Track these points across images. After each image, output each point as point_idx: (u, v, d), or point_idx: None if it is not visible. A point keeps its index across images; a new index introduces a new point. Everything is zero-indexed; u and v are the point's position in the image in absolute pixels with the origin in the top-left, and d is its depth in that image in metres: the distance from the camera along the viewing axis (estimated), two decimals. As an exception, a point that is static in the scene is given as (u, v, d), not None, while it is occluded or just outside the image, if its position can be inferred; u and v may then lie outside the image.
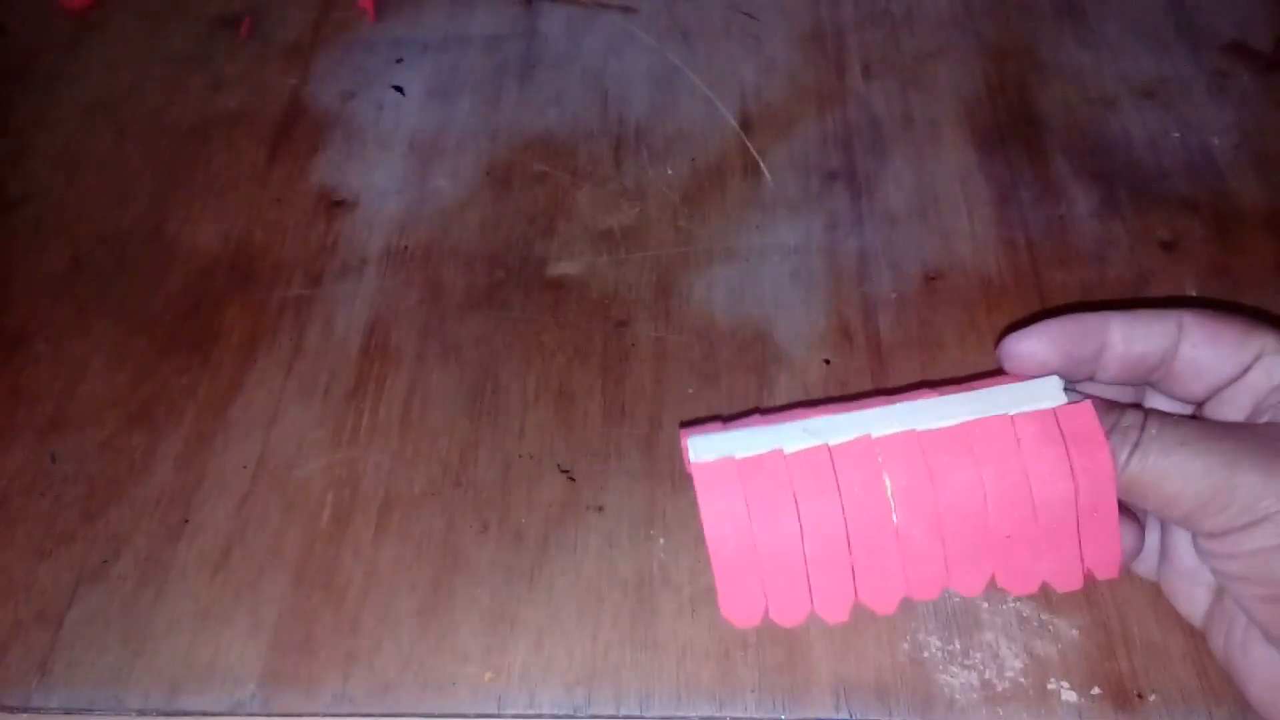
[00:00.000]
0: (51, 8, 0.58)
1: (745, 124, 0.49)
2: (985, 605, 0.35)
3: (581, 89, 0.52)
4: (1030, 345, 0.32)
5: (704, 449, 0.31)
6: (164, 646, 0.35)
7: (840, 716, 0.33)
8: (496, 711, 0.34)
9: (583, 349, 0.42)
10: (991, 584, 0.31)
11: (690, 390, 0.40)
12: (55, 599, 0.37)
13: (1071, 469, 0.29)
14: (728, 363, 0.41)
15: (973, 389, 0.31)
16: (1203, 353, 0.31)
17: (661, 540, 0.37)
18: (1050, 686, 0.33)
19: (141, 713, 0.34)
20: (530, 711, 0.34)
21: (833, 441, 0.30)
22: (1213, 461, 0.28)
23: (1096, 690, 0.33)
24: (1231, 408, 0.31)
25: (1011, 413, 0.30)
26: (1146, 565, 0.34)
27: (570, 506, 0.38)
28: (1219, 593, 0.31)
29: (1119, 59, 0.51)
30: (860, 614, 0.35)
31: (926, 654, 0.34)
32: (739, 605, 0.31)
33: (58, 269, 0.46)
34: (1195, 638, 0.34)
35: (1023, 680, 0.33)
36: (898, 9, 0.54)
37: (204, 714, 0.34)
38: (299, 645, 0.35)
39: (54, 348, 0.44)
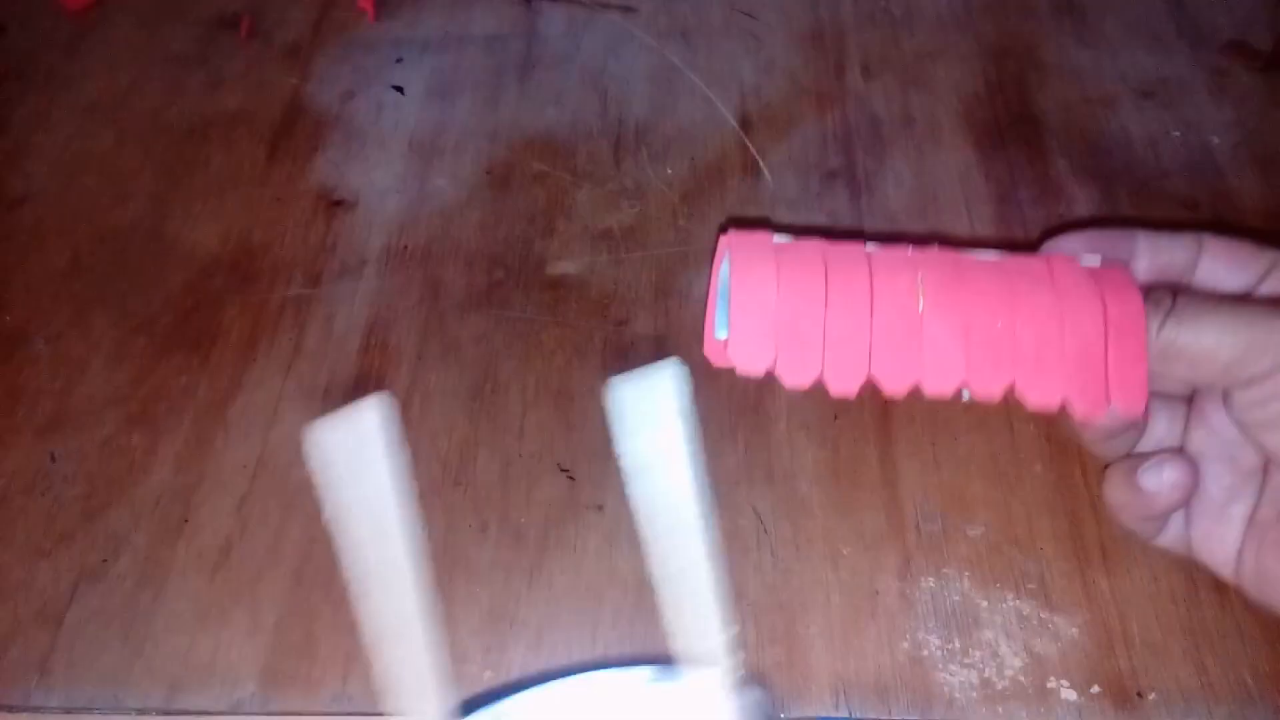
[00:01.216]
0: (51, 8, 0.58)
1: (745, 123, 0.49)
2: (985, 604, 0.35)
3: (581, 89, 0.52)
4: (1066, 245, 0.33)
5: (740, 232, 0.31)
6: (163, 646, 0.35)
7: (840, 715, 0.33)
8: (496, 711, 0.34)
9: (582, 348, 0.42)
10: (1010, 392, 0.29)
11: (690, 389, 0.40)
12: (55, 598, 0.37)
13: (1103, 304, 0.30)
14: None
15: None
16: (1220, 264, 0.33)
17: (661, 539, 0.37)
18: (1050, 685, 0.33)
19: (141, 712, 0.34)
20: (530, 711, 0.34)
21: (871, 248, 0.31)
22: (1251, 314, 0.29)
23: (1096, 689, 0.33)
24: None
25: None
26: (1173, 533, 0.34)
27: (570, 506, 0.38)
28: (1251, 522, 0.32)
29: (1119, 58, 0.51)
30: (860, 613, 0.35)
31: (926, 652, 0.34)
32: (748, 349, 0.29)
33: (58, 269, 0.46)
34: (1195, 637, 0.34)
35: (1022, 679, 0.33)
36: (898, 9, 0.54)
37: (204, 713, 0.34)
38: (298, 645, 0.35)
39: (54, 347, 0.44)
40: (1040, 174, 0.46)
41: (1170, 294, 0.30)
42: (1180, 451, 0.32)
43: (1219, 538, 0.32)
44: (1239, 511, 0.32)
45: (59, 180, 0.50)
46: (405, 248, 0.46)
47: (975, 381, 0.29)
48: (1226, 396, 0.31)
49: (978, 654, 0.34)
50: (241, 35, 0.56)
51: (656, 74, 0.52)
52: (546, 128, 0.50)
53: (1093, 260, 0.31)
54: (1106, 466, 0.35)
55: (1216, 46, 0.51)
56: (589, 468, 0.39)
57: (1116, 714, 0.33)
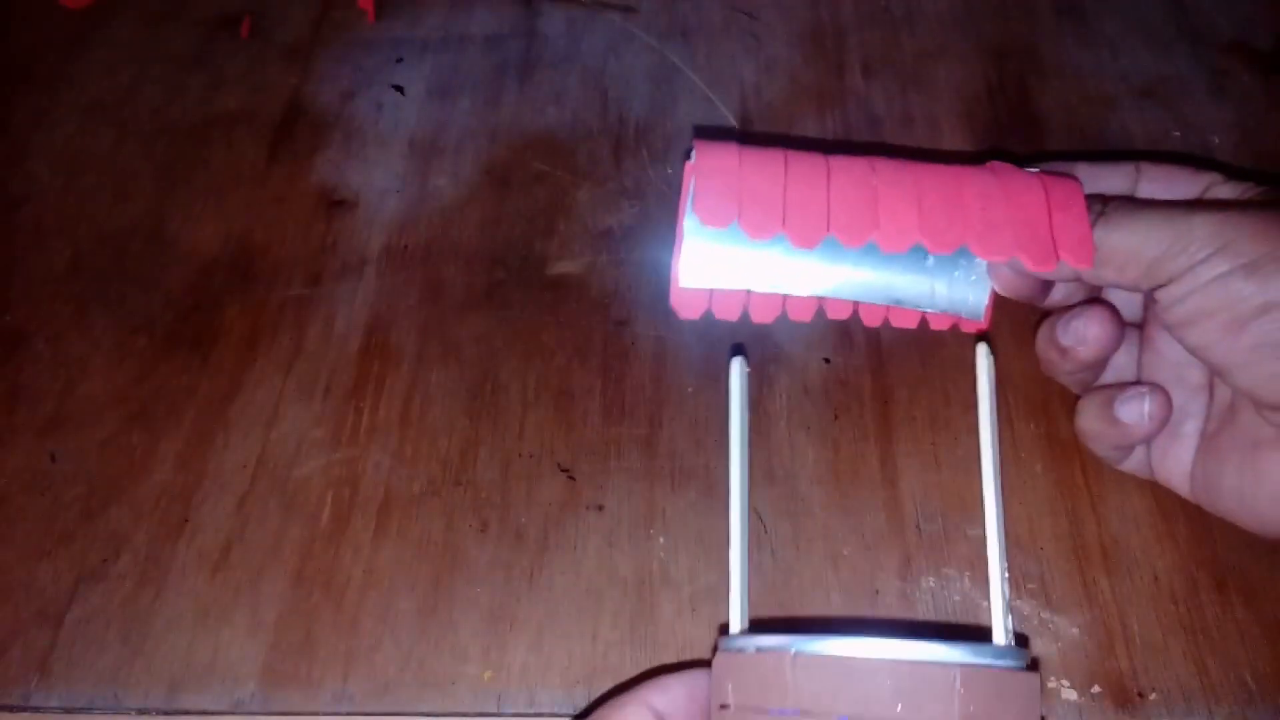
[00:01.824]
0: (51, 8, 0.58)
1: (745, 123, 0.49)
2: (985, 604, 0.35)
3: (581, 89, 0.52)
4: None
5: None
6: (164, 645, 0.35)
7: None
8: (496, 711, 0.34)
9: (582, 348, 0.42)
10: (961, 244, 0.31)
11: (690, 389, 0.40)
12: (55, 598, 0.37)
13: (1044, 187, 0.32)
14: (728, 362, 0.41)
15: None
16: (1158, 188, 0.34)
17: (661, 540, 0.37)
18: (1050, 685, 0.33)
19: (141, 712, 0.34)
20: (530, 711, 0.34)
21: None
22: (1171, 213, 0.30)
23: (1097, 689, 0.33)
24: None
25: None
26: (1136, 457, 0.35)
27: (570, 506, 0.38)
28: (1201, 436, 0.34)
29: (1119, 58, 0.51)
30: (860, 613, 0.35)
31: (926, 653, 0.34)
32: (713, 206, 0.31)
33: (58, 269, 0.46)
34: (1195, 637, 0.34)
35: (1023, 679, 0.33)
36: (898, 9, 0.54)
37: (204, 713, 0.34)
38: (299, 645, 0.35)
39: (54, 347, 0.44)
40: (1040, 174, 0.46)
41: (1102, 200, 0.32)
42: (1153, 385, 0.34)
43: (1174, 456, 0.34)
44: (1191, 428, 0.34)
45: (59, 180, 0.50)
46: (405, 248, 0.46)
47: (928, 238, 0.31)
48: (1155, 304, 0.32)
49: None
50: (241, 35, 0.56)
51: (657, 74, 0.52)
52: (546, 128, 0.50)
53: (1033, 170, 0.33)
54: (1079, 398, 0.36)
55: (1217, 46, 0.51)
56: (589, 468, 0.39)
57: (1117, 714, 0.33)
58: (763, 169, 0.32)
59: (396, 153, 0.50)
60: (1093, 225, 0.31)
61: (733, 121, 0.49)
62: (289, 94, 0.53)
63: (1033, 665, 0.26)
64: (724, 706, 0.26)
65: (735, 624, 0.29)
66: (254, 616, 0.36)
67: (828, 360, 0.41)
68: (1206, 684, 0.33)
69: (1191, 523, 0.36)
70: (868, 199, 0.31)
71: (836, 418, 0.39)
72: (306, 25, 0.56)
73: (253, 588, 0.36)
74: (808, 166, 0.32)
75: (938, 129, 0.48)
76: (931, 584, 0.35)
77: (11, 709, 0.34)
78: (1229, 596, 0.34)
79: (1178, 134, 0.47)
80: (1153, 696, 0.33)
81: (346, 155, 0.50)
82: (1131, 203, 0.32)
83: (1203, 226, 0.30)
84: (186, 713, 0.34)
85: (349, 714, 0.34)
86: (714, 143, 0.32)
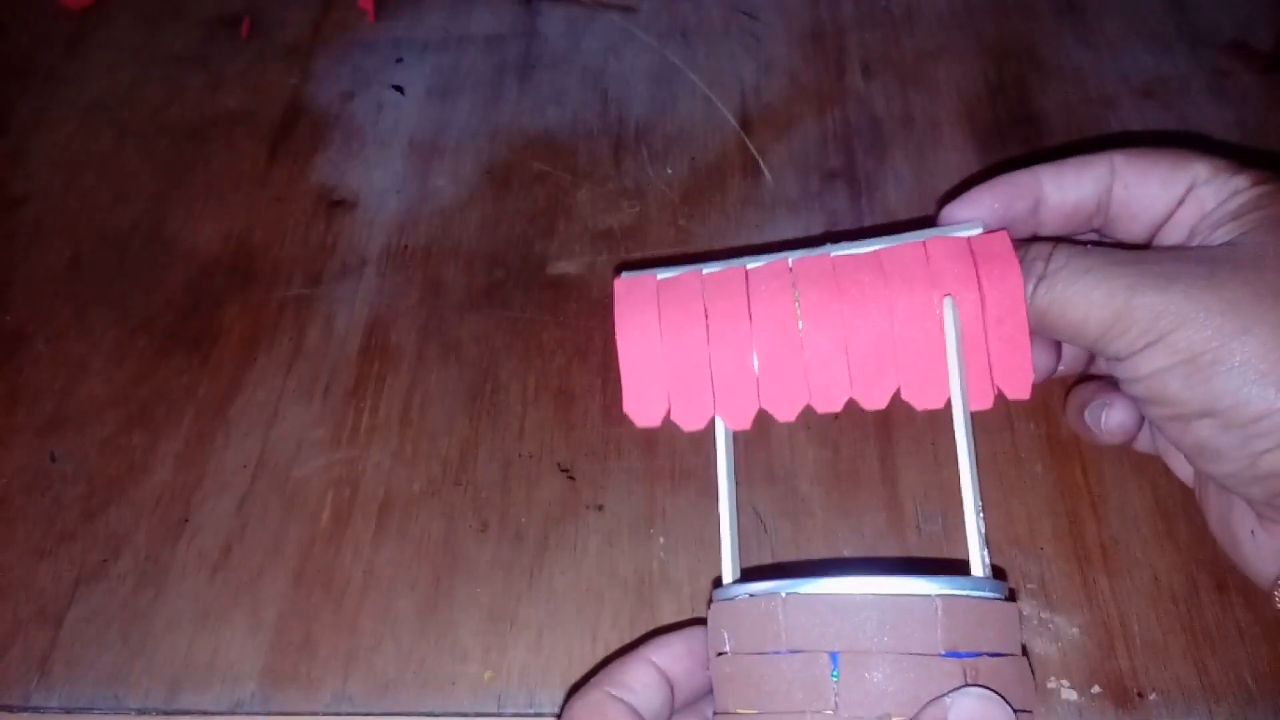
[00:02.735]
0: (51, 8, 0.58)
1: (745, 123, 0.49)
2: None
3: (581, 89, 0.52)
4: (964, 211, 0.32)
5: (631, 276, 0.32)
6: (164, 646, 0.35)
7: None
8: (496, 711, 0.34)
9: (582, 348, 0.42)
10: (896, 397, 0.30)
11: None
12: (55, 598, 0.37)
13: (979, 283, 0.29)
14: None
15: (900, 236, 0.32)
16: (1135, 192, 0.31)
17: (661, 539, 0.37)
18: (1050, 685, 0.33)
19: (141, 712, 0.34)
20: (530, 711, 0.34)
21: (750, 265, 0.32)
22: (1115, 286, 0.28)
23: (1097, 689, 0.33)
24: (1170, 241, 0.31)
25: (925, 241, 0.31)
26: (1144, 441, 0.34)
27: (570, 506, 0.38)
28: None
29: (1119, 58, 0.51)
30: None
31: (926, 653, 0.34)
32: (642, 404, 0.31)
33: (58, 269, 0.46)
34: (1195, 637, 0.34)
35: (1023, 679, 0.33)
36: (898, 9, 0.54)
37: (204, 713, 0.34)
38: (299, 645, 0.35)
39: (54, 347, 0.44)
40: (1040, 174, 0.46)
41: (1046, 254, 0.29)
42: (1121, 398, 0.32)
43: (1177, 459, 0.33)
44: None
45: (59, 180, 0.50)
46: (405, 248, 0.46)
47: (861, 394, 0.30)
48: (1108, 367, 0.30)
49: None
50: (242, 35, 0.56)
51: (656, 74, 0.52)
52: (546, 128, 0.50)
53: (973, 229, 0.31)
54: (1069, 391, 0.35)
55: (1217, 46, 0.51)
56: (589, 468, 0.39)
57: (1117, 714, 0.33)
58: (685, 339, 0.31)
59: (396, 153, 0.50)
60: (1034, 289, 0.29)
61: (733, 121, 0.49)
62: (289, 94, 0.53)
63: (1010, 596, 0.27)
64: (721, 654, 0.27)
65: (727, 575, 0.29)
66: (254, 616, 0.36)
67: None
68: (1206, 684, 0.33)
69: (1191, 523, 0.36)
70: (793, 350, 0.30)
71: (836, 418, 0.39)
72: (306, 25, 0.56)
73: (253, 588, 0.36)
74: (730, 326, 0.31)
75: (938, 129, 0.48)
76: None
77: (11, 709, 0.35)
78: (1229, 596, 0.34)
79: (1178, 134, 0.47)
80: (1153, 696, 0.33)
81: (346, 155, 0.50)
82: (1074, 261, 0.29)
83: (1142, 309, 0.27)
84: (186, 713, 0.34)
85: (349, 714, 0.34)
86: (633, 310, 0.31)
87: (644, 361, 0.31)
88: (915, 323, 0.30)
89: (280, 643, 0.35)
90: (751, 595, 0.27)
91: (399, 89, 0.52)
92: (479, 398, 0.41)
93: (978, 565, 0.28)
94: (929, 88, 0.50)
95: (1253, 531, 0.30)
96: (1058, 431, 0.38)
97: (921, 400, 0.30)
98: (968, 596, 0.26)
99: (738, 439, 0.39)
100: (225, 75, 0.54)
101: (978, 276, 0.29)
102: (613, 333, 0.32)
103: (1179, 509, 0.36)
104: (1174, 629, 0.34)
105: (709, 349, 0.31)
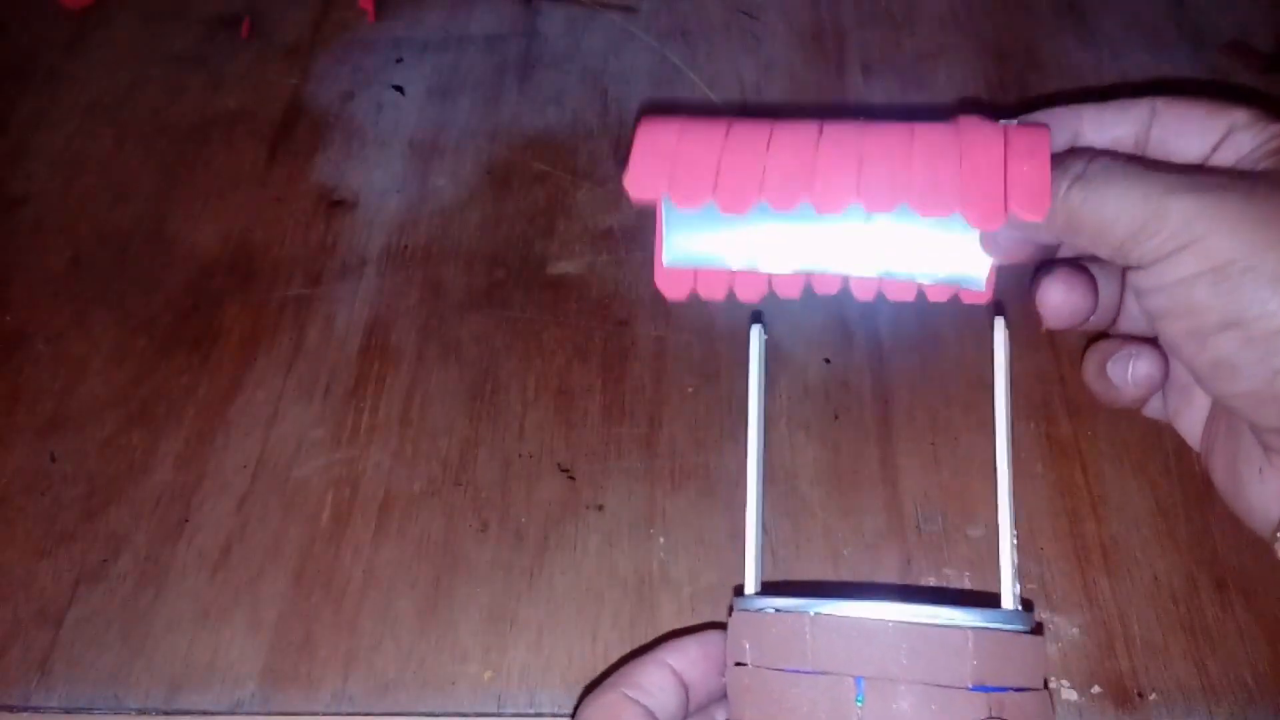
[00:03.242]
0: (51, 8, 0.58)
1: (745, 124, 0.49)
2: (985, 604, 0.35)
3: (581, 89, 0.52)
4: None
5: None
6: (164, 646, 0.35)
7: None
8: (496, 711, 0.34)
9: (583, 348, 0.42)
10: (899, 204, 0.29)
11: (690, 389, 0.40)
12: (55, 598, 0.37)
13: (1005, 137, 0.29)
14: (727, 362, 0.41)
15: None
16: (1172, 133, 0.31)
17: (661, 539, 0.37)
18: (1051, 685, 0.33)
19: (141, 712, 0.34)
20: (530, 711, 0.34)
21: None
22: (1151, 188, 0.27)
23: (1097, 689, 0.33)
24: None
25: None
26: (1154, 406, 0.34)
27: (570, 506, 0.38)
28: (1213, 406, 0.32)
29: (1119, 58, 0.51)
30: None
31: (926, 653, 0.34)
32: (643, 178, 0.30)
33: (58, 269, 0.46)
34: (1195, 637, 0.34)
35: (1023, 679, 0.33)
36: (898, 9, 0.54)
37: (204, 713, 0.34)
38: (299, 645, 0.35)
39: (54, 348, 0.44)
40: (1040, 174, 0.46)
41: (1085, 158, 0.29)
42: (1152, 343, 0.31)
43: (1188, 417, 0.33)
44: (1203, 395, 0.32)
45: (59, 180, 0.50)
46: (405, 248, 0.46)
47: (866, 198, 0.29)
48: (1131, 278, 0.29)
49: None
50: (241, 35, 0.56)
51: (657, 74, 0.52)
52: (546, 128, 0.50)
53: (1008, 122, 0.31)
54: (1086, 346, 0.34)
55: (1216, 46, 0.51)
56: (589, 468, 0.39)
57: (1117, 714, 0.33)
58: (700, 138, 0.31)
59: (396, 153, 0.50)
60: (1069, 187, 0.29)
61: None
62: (289, 94, 0.53)
63: (1037, 629, 0.27)
64: (740, 664, 0.27)
65: (750, 585, 0.29)
66: (254, 616, 0.36)
67: (828, 360, 0.41)
68: (1206, 684, 0.33)
69: (1191, 523, 0.36)
70: (806, 162, 0.30)
71: (836, 418, 0.39)
72: (306, 25, 0.56)
73: (253, 588, 0.36)
74: (749, 133, 0.31)
75: (938, 129, 0.48)
76: (931, 584, 0.35)
77: (11, 709, 0.34)
78: (1229, 596, 0.34)
79: (1178, 134, 0.47)
80: (1153, 696, 0.33)
81: (346, 155, 0.50)
82: (1114, 165, 0.29)
83: (1177, 212, 0.27)
84: (186, 713, 0.34)
85: (349, 714, 0.34)
86: (661, 117, 0.32)
87: (656, 143, 0.30)
88: (932, 149, 0.29)
89: (280, 643, 0.35)
90: (778, 610, 0.27)
91: (399, 89, 0.52)
92: (479, 398, 0.41)
93: (1009, 598, 0.27)
94: (929, 88, 0.50)
95: (1260, 470, 0.29)
96: (1058, 431, 0.38)
97: (927, 209, 0.29)
98: (998, 630, 0.25)
99: (739, 441, 0.39)
100: (225, 75, 0.54)
101: (1005, 133, 0.30)
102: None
103: (1179, 509, 0.36)
104: (1174, 629, 0.34)
105: (723, 145, 0.30)
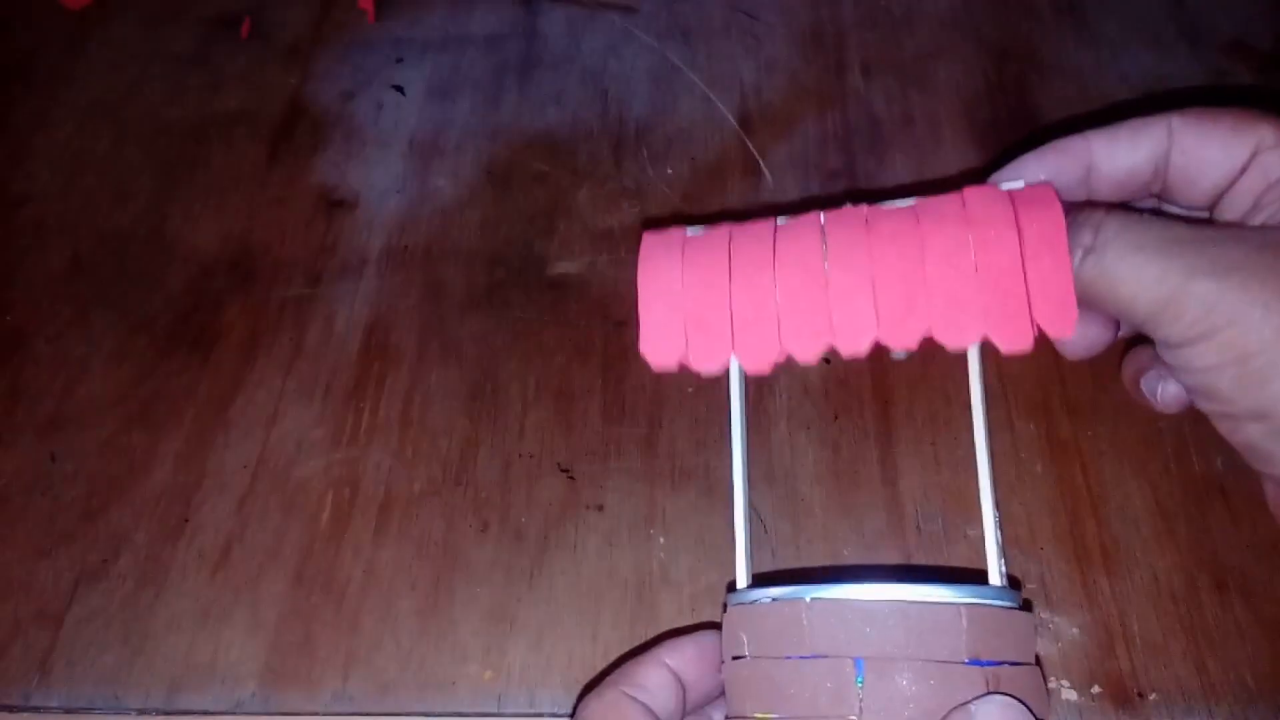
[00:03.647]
0: (51, 7, 0.58)
1: (745, 123, 0.49)
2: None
3: (581, 89, 0.52)
4: (1014, 172, 0.31)
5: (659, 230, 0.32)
6: (164, 646, 0.35)
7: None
8: (496, 711, 0.34)
9: (583, 348, 0.42)
10: (927, 338, 0.28)
11: (690, 389, 0.40)
12: (55, 598, 0.37)
13: (1018, 223, 0.28)
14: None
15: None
16: (1194, 158, 0.29)
17: (661, 539, 0.37)
18: (1051, 685, 0.33)
19: (141, 712, 0.34)
20: (530, 711, 0.34)
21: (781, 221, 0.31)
22: (1169, 268, 0.26)
23: (1097, 689, 0.33)
24: (1233, 210, 0.29)
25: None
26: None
27: (570, 506, 0.38)
28: None
29: (1119, 58, 0.51)
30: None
31: (926, 653, 0.34)
32: (659, 344, 0.30)
33: (58, 269, 0.46)
34: (1195, 637, 0.34)
35: (1023, 679, 0.33)
36: (898, 9, 0.54)
37: (204, 713, 0.34)
38: (299, 645, 0.35)
39: (54, 348, 0.44)
40: (1040, 174, 0.46)
41: (1096, 225, 0.27)
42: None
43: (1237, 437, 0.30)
44: None
45: (59, 180, 0.50)
46: (405, 248, 0.46)
47: (888, 335, 0.28)
48: (1159, 350, 0.28)
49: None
50: (241, 35, 0.56)
51: (657, 74, 0.52)
52: (546, 128, 0.50)
53: (1014, 184, 0.30)
54: (1125, 351, 0.33)
55: (1217, 46, 0.51)
56: (589, 468, 0.39)
57: (1117, 714, 0.33)
58: (706, 280, 0.30)
59: (396, 153, 0.50)
60: (1080, 260, 0.27)
61: (733, 121, 0.49)
62: (289, 94, 0.53)
63: (1026, 605, 0.27)
64: (737, 658, 0.27)
65: (741, 579, 0.29)
66: (254, 616, 0.36)
67: (828, 360, 0.41)
68: (1206, 684, 0.33)
69: (1191, 523, 0.36)
70: (817, 293, 0.29)
71: (836, 418, 0.39)
72: (306, 25, 0.56)
73: (253, 588, 0.36)
74: (753, 264, 0.29)
75: (938, 129, 0.48)
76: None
77: (11, 709, 0.35)
78: (1229, 596, 0.34)
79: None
80: (1153, 696, 0.33)
81: (346, 155, 0.50)
82: (1125, 233, 0.27)
83: (1196, 299, 0.25)
84: (186, 713, 0.34)
85: (349, 714, 0.34)
86: (657, 250, 0.31)
87: (663, 300, 0.30)
88: (947, 258, 0.28)
89: (280, 643, 0.35)
90: (774, 599, 0.27)
91: (399, 89, 0.52)
92: (479, 398, 0.41)
93: (995, 575, 0.28)
94: (929, 88, 0.50)
95: None
96: (1058, 432, 0.38)
97: (953, 340, 0.28)
98: (990, 605, 0.26)
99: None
100: (225, 75, 0.54)
101: (1016, 216, 0.28)
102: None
103: (1179, 509, 0.36)
104: (1174, 629, 0.34)
105: (730, 286, 0.29)
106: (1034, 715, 0.24)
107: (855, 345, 0.29)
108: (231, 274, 0.45)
